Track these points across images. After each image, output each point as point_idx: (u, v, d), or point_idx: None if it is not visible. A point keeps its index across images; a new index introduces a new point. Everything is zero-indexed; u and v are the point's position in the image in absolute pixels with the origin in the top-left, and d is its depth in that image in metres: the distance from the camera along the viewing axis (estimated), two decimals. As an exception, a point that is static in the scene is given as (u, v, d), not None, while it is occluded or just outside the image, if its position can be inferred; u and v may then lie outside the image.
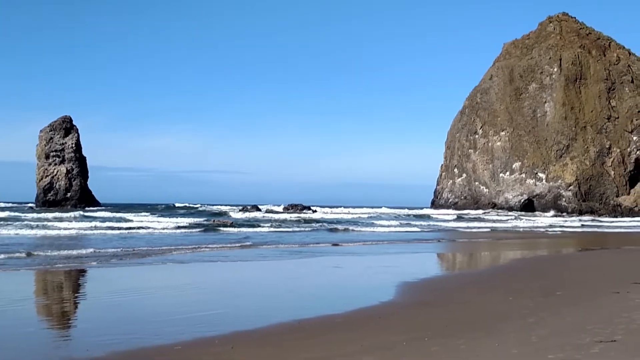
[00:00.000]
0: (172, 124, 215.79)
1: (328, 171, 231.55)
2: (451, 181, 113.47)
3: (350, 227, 40.74)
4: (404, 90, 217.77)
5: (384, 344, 7.44)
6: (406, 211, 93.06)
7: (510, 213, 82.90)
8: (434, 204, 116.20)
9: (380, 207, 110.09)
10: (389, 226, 45.43)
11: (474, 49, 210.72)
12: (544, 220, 65.73)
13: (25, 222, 35.89)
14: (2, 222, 34.99)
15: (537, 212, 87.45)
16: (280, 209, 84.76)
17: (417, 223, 51.84)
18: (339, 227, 42.27)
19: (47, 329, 8.80)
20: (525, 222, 58.56)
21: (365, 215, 68.42)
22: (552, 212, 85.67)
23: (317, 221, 49.38)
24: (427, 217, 66.82)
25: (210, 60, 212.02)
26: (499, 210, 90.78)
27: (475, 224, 52.37)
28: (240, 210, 74.87)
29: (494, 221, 58.69)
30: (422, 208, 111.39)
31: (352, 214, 75.76)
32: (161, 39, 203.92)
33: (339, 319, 9.12)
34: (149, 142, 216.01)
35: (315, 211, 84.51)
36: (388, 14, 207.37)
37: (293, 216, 58.00)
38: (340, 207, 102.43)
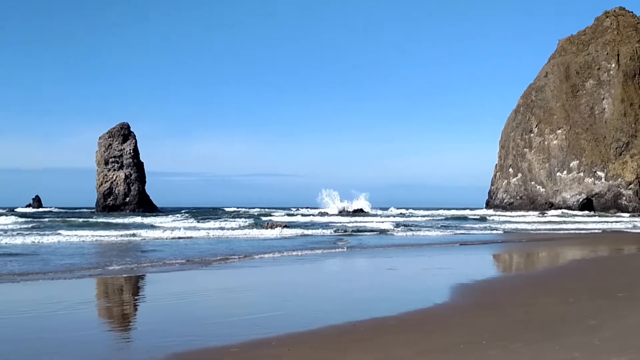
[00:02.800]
0: (221, 128, 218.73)
1: (380, 173, 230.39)
2: (506, 181, 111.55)
3: (403, 230, 40.37)
4: (457, 90, 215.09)
5: (440, 347, 7.38)
6: (462, 212, 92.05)
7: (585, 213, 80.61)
8: (489, 205, 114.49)
9: (434, 209, 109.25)
10: (443, 227, 44.87)
11: (527, 46, 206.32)
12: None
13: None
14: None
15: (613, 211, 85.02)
16: (335, 211, 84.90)
17: (476, 225, 51.11)
18: (394, 228, 42.09)
19: (110, 331, 9.07)
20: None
21: (421, 218, 67.97)
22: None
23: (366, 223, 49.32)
24: (484, 219, 65.58)
25: (257, 65, 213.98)
26: (565, 210, 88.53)
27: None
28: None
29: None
30: (475, 209, 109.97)
31: (406, 216, 75.40)
32: (208, 46, 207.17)
33: (394, 321, 9.09)
34: (199, 146, 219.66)
35: (367, 213, 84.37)
36: (438, 14, 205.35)
37: (350, 219, 58.08)
38: (390, 208, 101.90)
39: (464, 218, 68.96)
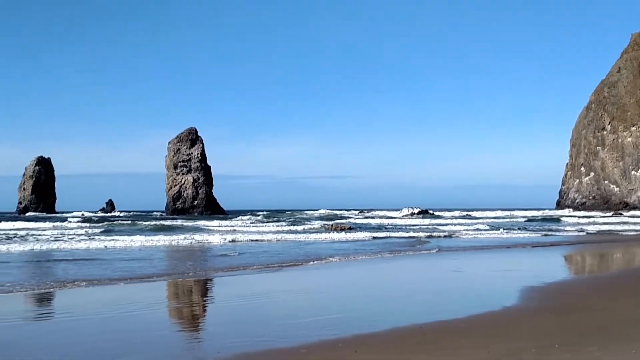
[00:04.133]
0: (286, 131, 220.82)
1: (443, 173, 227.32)
2: (577, 180, 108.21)
3: (471, 232, 39.73)
4: (524, 87, 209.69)
5: (511, 351, 7.23)
6: (531, 213, 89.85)
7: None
8: (559, 205, 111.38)
9: (500, 209, 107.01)
10: (512, 229, 43.92)
11: (598, 41, 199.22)
12: None
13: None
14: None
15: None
16: (400, 214, 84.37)
17: (548, 225, 49.83)
18: (462, 230, 41.52)
19: (181, 331, 9.31)
20: None
21: (489, 219, 66.76)
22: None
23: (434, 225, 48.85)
24: (557, 220, 63.81)
25: (323, 67, 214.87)
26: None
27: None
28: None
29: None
30: (545, 209, 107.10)
31: (473, 217, 74.17)
32: (274, 49, 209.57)
33: (462, 324, 8.97)
34: (264, 150, 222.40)
35: (433, 214, 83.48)
36: (506, 11, 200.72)
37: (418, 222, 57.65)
38: (455, 210, 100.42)
39: (536, 219, 67.30)
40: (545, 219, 67.59)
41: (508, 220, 65.73)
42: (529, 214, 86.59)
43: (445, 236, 35.18)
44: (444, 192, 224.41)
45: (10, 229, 41.44)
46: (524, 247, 27.34)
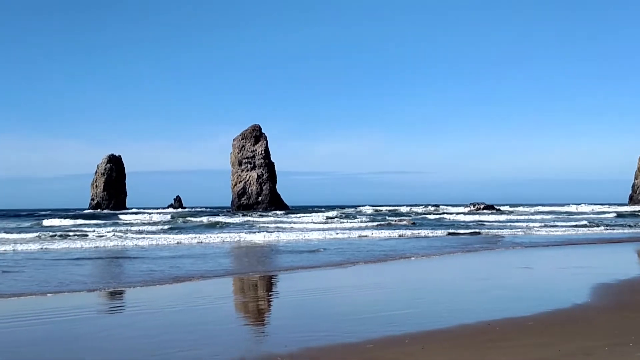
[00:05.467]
0: (347, 127, 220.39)
1: (506, 167, 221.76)
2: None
3: (542, 228, 38.70)
4: (592, 74, 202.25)
5: (582, 349, 7.06)
6: (602, 208, 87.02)
7: None
8: (632, 200, 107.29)
9: (567, 204, 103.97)
10: (584, 225, 42.57)
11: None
12: None
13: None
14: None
15: None
16: (465, 209, 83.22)
17: (622, 221, 48.10)
18: (530, 225, 40.63)
19: (246, 325, 9.51)
20: None
21: (559, 215, 65.05)
22: None
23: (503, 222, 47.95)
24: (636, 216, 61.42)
25: (382, 63, 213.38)
26: None
27: None
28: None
29: None
30: (613, 204, 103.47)
31: (543, 212, 72.41)
32: (335, 45, 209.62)
33: (531, 322, 8.80)
34: (326, 146, 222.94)
35: (499, 209, 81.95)
36: (573, 10, 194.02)
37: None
38: (520, 205, 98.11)
39: (625, 215, 64.76)
40: (609, 214, 65.13)
41: (569, 216, 63.61)
42: (600, 209, 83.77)
43: (515, 232, 34.44)
44: (507, 187, 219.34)
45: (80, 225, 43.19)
46: (598, 243, 26.54)
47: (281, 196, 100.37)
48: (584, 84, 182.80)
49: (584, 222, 44.57)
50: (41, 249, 23.18)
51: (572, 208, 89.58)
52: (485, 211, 78.34)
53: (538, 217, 59.79)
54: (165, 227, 41.09)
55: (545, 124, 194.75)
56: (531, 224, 42.80)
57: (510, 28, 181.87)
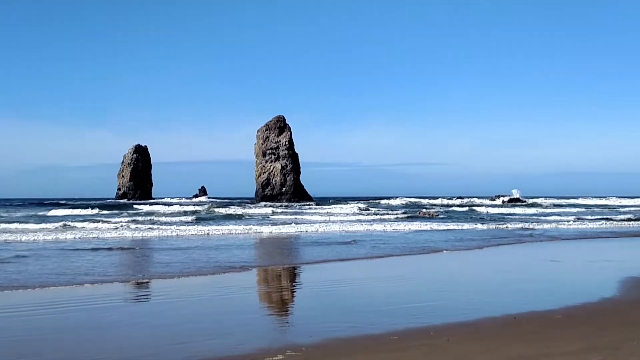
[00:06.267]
0: (373, 118, 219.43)
1: (530, 160, 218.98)
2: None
3: (571, 223, 38.10)
4: (622, 70, 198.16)
5: (611, 343, 6.95)
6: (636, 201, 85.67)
7: None
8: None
9: (596, 197, 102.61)
10: (621, 220, 41.78)
11: None
12: None
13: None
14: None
15: None
16: (493, 201, 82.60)
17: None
18: (558, 218, 40.16)
19: (273, 315, 9.54)
20: None
21: (600, 208, 64.22)
22: None
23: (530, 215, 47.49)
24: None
25: (403, 54, 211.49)
26: None
27: None
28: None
29: None
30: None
31: (573, 206, 71.56)
32: (360, 36, 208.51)
33: (558, 315, 8.70)
34: (348, 137, 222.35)
35: (525, 201, 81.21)
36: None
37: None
38: (551, 197, 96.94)
39: None
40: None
41: (602, 209, 62.69)
42: (633, 202, 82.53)
43: (544, 225, 33.99)
44: (534, 180, 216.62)
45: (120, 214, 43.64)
46: (629, 236, 26.16)
47: (305, 187, 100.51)
48: (613, 78, 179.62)
49: (629, 216, 43.36)
50: (65, 239, 23.50)
51: (613, 201, 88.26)
52: (515, 203, 77.70)
53: (572, 209, 59.10)
54: (192, 217, 41.32)
55: (575, 116, 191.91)
56: (561, 217, 42.26)
57: (539, 19, 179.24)
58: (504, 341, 7.19)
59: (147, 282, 12.84)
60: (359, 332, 7.73)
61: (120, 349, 7.02)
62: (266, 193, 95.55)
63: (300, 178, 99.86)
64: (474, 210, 58.56)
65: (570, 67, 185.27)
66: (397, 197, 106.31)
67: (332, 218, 41.81)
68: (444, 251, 19.25)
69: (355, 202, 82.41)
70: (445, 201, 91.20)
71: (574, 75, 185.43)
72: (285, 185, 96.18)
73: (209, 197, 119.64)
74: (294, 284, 13.29)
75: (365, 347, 6.97)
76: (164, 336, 7.64)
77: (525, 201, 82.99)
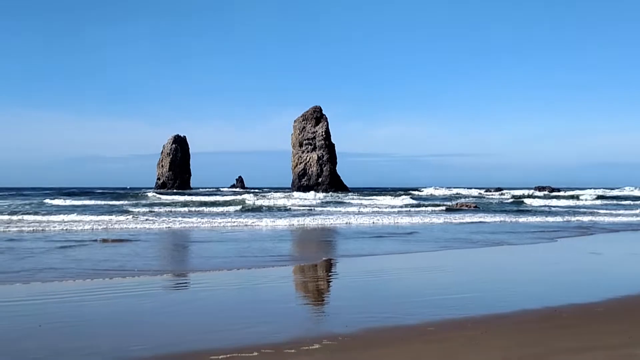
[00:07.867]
0: (407, 110, 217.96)
1: (569, 151, 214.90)
2: None
3: (611, 215, 37.23)
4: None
5: (655, 338, 6.78)
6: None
7: None
8: None
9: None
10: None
11: None
12: None
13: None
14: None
15: None
16: (529, 192, 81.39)
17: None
18: (598, 211, 39.32)
19: (309, 304, 9.54)
20: None
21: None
22: None
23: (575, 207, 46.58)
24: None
25: (442, 46, 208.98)
26: None
27: None
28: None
29: None
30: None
31: (619, 198, 70.06)
32: (397, 29, 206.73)
33: (600, 308, 8.52)
34: (385, 128, 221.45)
35: (559, 190, 79.74)
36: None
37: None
38: (587, 189, 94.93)
39: None
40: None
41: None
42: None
43: (584, 217, 33.26)
44: (569, 171, 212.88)
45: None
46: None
47: (341, 177, 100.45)
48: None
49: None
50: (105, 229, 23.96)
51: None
52: (556, 194, 76.42)
53: (612, 202, 57.85)
54: (237, 207, 41.20)
55: (612, 109, 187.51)
56: (603, 210, 41.33)
57: (578, 10, 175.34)
58: (544, 334, 7.07)
59: (184, 274, 13.00)
60: (395, 323, 7.68)
61: (160, 336, 7.12)
62: (302, 183, 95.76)
63: (337, 168, 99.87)
64: (514, 202, 57.70)
65: (612, 60, 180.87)
66: (436, 188, 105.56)
67: (383, 210, 40.85)
68: (504, 245, 19.05)
69: (393, 192, 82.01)
70: (483, 192, 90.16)
71: (615, 69, 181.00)
72: (322, 176, 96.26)
73: (246, 187, 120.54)
74: (334, 275, 13.28)
75: (401, 338, 6.93)
76: (202, 323, 7.72)
77: (558, 191, 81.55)
